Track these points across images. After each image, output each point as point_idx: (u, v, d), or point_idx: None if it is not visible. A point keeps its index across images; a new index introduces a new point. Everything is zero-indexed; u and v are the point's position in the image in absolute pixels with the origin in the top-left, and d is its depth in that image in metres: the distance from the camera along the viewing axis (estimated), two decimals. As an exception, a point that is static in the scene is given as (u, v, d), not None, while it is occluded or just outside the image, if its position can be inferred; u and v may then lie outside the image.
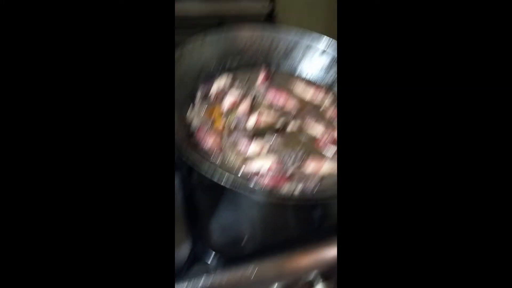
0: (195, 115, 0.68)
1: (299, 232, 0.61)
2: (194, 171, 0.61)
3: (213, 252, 0.54)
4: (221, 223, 0.60)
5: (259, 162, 0.61)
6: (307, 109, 0.76)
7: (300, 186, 0.59)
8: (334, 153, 0.67)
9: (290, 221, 0.63)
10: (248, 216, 0.62)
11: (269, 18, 1.16)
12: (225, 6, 1.11)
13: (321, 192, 0.59)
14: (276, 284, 0.54)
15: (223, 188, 0.54)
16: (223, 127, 0.67)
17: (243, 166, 0.61)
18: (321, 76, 0.84)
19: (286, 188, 0.58)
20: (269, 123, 0.70)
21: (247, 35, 0.82)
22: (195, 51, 0.74)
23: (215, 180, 0.53)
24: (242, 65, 0.82)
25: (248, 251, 0.57)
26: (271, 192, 0.56)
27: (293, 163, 0.62)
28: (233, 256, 0.55)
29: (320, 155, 0.66)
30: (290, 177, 0.60)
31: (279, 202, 0.51)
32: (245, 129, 0.68)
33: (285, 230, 0.61)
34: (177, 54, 0.70)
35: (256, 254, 0.55)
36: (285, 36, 0.84)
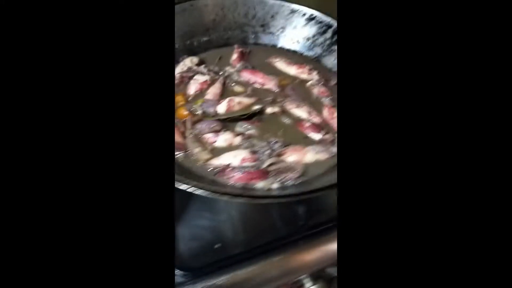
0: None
1: (281, 233, 0.51)
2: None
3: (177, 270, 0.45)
4: (190, 231, 0.50)
5: (229, 155, 0.51)
6: (290, 87, 0.64)
7: (278, 181, 0.48)
8: (321, 138, 0.55)
9: (271, 221, 0.53)
10: (221, 220, 0.52)
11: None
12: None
13: (305, 185, 0.48)
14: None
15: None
16: (188, 116, 0.56)
17: (210, 160, 0.51)
18: (307, 47, 0.72)
19: (261, 184, 0.48)
20: (244, 108, 0.59)
21: (216, 7, 0.70)
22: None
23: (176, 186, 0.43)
24: (212, 44, 0.71)
25: (222, 261, 0.47)
26: (244, 191, 0.46)
27: (270, 154, 0.51)
28: (203, 270, 0.45)
29: (305, 140, 0.55)
30: (267, 171, 0.49)
31: (253, 203, 0.41)
32: (214, 116, 0.57)
33: (266, 232, 0.51)
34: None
35: (232, 263, 0.46)
36: (263, 2, 0.71)
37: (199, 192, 0.41)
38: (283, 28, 0.72)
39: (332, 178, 0.48)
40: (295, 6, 0.69)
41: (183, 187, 0.41)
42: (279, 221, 0.52)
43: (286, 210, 0.53)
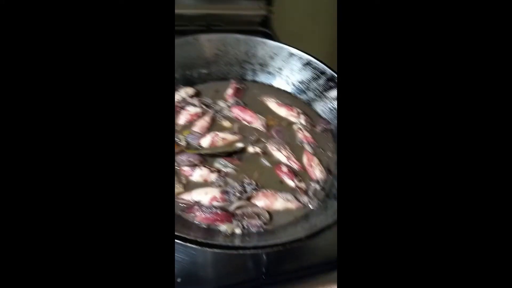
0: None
1: (243, 277, 0.51)
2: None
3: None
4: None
5: (201, 192, 0.52)
6: (276, 128, 0.65)
7: (242, 226, 0.49)
8: (295, 185, 0.56)
9: (235, 264, 0.53)
10: (187, 252, 0.53)
11: (264, 22, 1.08)
12: (219, 7, 1.04)
13: (268, 235, 0.48)
14: None
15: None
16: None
17: (182, 194, 0.52)
18: (301, 90, 0.74)
19: (225, 227, 0.48)
20: (227, 144, 0.61)
21: (219, 43, 0.73)
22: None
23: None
24: (211, 76, 0.74)
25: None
26: (205, 236, 0.46)
27: (241, 196, 0.52)
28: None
29: (278, 185, 0.56)
30: (233, 214, 0.50)
31: (211, 250, 0.41)
32: (197, 149, 0.59)
33: (223, 278, 0.51)
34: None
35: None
36: (264, 43, 0.75)
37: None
38: (281, 69, 0.75)
39: (296, 230, 0.48)
40: (293, 50, 0.72)
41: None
42: (242, 266, 0.52)
43: (248, 256, 0.53)
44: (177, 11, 0.99)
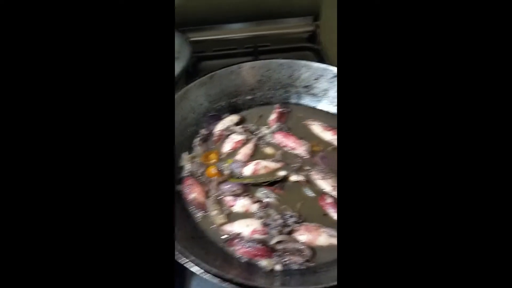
0: (189, 159, 0.64)
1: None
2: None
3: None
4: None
5: (242, 224, 0.53)
6: (320, 154, 0.63)
7: (283, 262, 0.47)
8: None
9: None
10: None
11: (312, 37, 1.06)
12: (266, 27, 1.06)
13: (309, 274, 0.46)
14: None
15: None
16: (216, 175, 0.61)
17: (224, 225, 0.53)
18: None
19: (265, 262, 0.48)
20: (270, 172, 0.61)
21: (263, 69, 0.74)
22: (202, 88, 0.70)
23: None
24: (255, 102, 0.75)
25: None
26: (244, 278, 0.44)
27: (282, 229, 0.51)
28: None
29: (322, 218, 0.53)
30: (273, 249, 0.49)
31: None
32: (239, 177, 0.60)
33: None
34: (180, 92, 0.67)
35: None
36: (308, 65, 0.73)
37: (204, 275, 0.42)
38: (326, 90, 0.72)
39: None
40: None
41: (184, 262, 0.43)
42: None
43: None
44: (225, 36, 1.07)
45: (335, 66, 0.70)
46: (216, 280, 0.41)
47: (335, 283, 0.40)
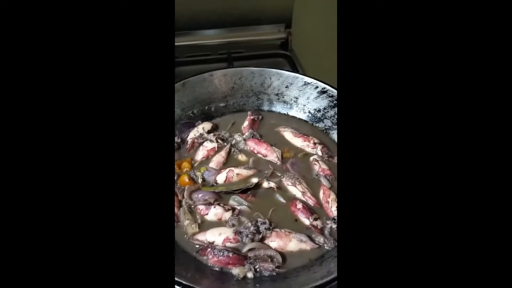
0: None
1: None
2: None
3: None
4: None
5: (214, 232, 0.53)
6: (291, 161, 0.65)
7: (255, 269, 0.48)
8: (310, 223, 0.54)
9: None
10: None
11: (284, 44, 1.08)
12: (240, 34, 1.07)
13: (280, 280, 0.47)
14: None
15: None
16: (189, 184, 0.61)
17: (197, 235, 0.53)
18: (317, 118, 0.72)
19: (237, 271, 0.48)
20: (242, 179, 0.62)
21: (235, 76, 0.75)
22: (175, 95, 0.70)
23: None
24: (228, 109, 0.76)
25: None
26: (218, 279, 0.46)
27: (254, 236, 0.52)
28: None
29: (293, 224, 0.55)
30: (245, 257, 0.50)
31: None
32: (212, 185, 0.60)
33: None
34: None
35: None
36: (279, 73, 0.75)
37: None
38: (296, 98, 0.74)
39: (309, 276, 0.46)
40: (308, 79, 0.71)
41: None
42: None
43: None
44: (199, 42, 1.06)
45: (307, 72, 0.73)
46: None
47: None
